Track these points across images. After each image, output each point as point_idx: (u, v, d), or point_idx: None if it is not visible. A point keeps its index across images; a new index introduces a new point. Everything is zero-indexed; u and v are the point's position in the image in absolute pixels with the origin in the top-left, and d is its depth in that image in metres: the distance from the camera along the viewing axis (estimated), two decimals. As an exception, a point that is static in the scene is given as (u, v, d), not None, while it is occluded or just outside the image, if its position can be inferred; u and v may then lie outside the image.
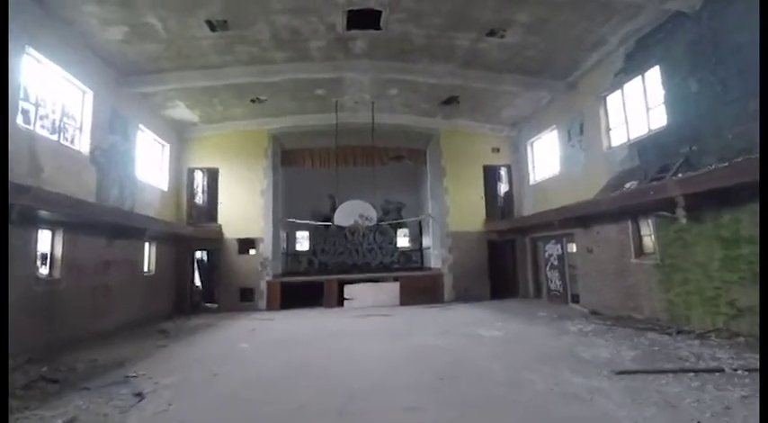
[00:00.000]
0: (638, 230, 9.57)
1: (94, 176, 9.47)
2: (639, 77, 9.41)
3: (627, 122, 9.95)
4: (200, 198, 15.98)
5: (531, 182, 14.61)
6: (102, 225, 9.30)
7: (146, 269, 12.18)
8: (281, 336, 8.95)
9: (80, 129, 9.17)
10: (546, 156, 13.84)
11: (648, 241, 9.34)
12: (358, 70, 11.29)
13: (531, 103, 13.26)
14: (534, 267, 14.50)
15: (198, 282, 16.45)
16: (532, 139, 14.57)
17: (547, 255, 13.61)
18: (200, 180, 16.03)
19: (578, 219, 11.01)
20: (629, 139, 9.82)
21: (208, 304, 15.13)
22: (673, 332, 7.54)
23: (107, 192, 9.92)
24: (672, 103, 8.38)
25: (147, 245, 12.31)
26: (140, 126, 11.68)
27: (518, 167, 15.36)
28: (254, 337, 9.01)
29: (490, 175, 15.71)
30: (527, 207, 14.77)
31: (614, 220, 10.05)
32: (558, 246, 12.91)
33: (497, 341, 7.40)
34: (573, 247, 12.75)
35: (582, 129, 11.44)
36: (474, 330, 8.53)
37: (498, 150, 15.51)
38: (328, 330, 9.41)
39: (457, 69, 11.44)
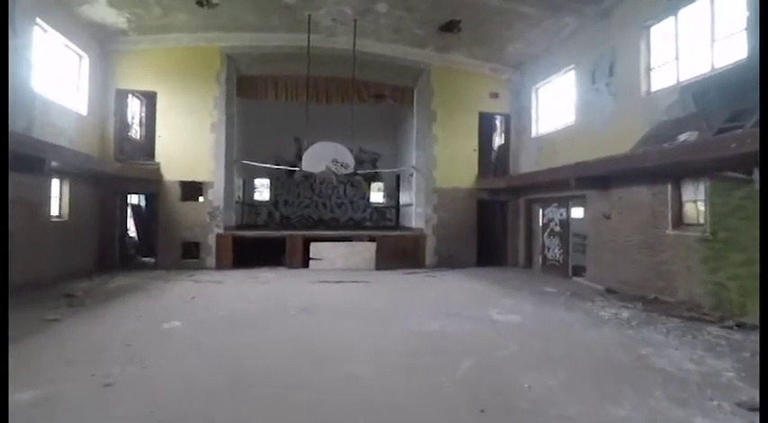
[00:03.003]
0: (680, 195, 7.82)
1: (-44, 78, 6.57)
2: (706, -2, 7.33)
3: (678, 60, 7.94)
4: (135, 131, 13.06)
5: (534, 134, 12.62)
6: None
7: (55, 213, 9.49)
8: (229, 309, 6.74)
9: (-73, 2, 6.17)
10: (556, 104, 11.80)
11: (692, 209, 7.62)
12: (342, -35, 8.59)
13: (548, 36, 10.96)
14: (527, 233, 12.79)
15: (134, 232, 13.86)
16: (539, 84, 12.43)
17: (545, 219, 11.87)
18: (136, 108, 13.06)
19: (594, 179, 9.21)
20: (678, 81, 7.84)
21: (145, 259, 12.64)
22: (733, 326, 5.93)
23: (-19, 103, 7.05)
24: (760, 29, 6.38)
25: (57, 183, 9.56)
26: (38, 20, 8.59)
27: (518, 117, 13.27)
28: (192, 309, 6.77)
29: (486, 125, 13.59)
30: (525, 163, 12.85)
31: (647, 182, 8.26)
32: (562, 210, 11.15)
33: (521, 331, 5.52)
34: (578, 212, 11.08)
35: (612, 69, 9.38)
36: (481, 311, 6.65)
37: (497, 96, 13.30)
38: (291, 302, 7.29)
39: (467, -21, 8.97)
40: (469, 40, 11.78)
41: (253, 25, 11.14)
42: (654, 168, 7.57)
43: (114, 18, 10.23)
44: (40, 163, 7.53)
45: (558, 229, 11.31)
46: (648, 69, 8.61)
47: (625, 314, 6.49)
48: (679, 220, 7.77)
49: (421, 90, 13.18)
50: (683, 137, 7.05)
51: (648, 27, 8.57)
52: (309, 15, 10.64)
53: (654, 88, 8.48)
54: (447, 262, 12.47)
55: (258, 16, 10.69)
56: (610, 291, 8.65)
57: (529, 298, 7.87)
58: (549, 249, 11.66)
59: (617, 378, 3.85)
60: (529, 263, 12.69)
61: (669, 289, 7.69)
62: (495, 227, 13.54)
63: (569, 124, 10.87)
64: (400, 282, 9.89)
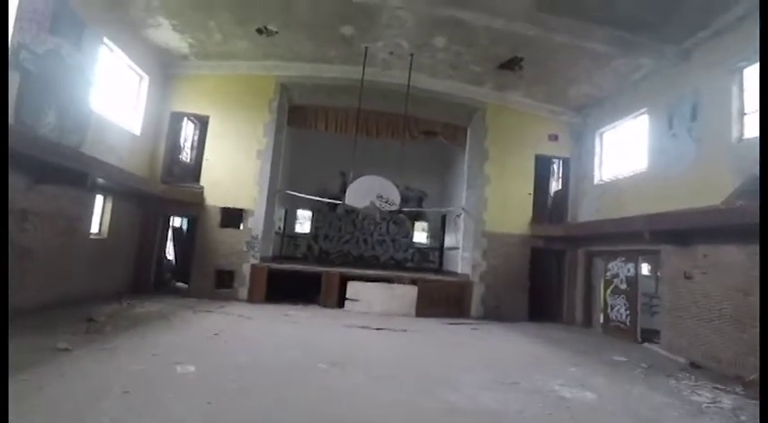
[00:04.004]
0: (786, 258, 6.58)
1: (15, 88, 6.56)
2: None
3: (781, 103, 6.93)
4: (186, 154, 13.11)
5: (596, 181, 11.61)
6: (17, 159, 6.42)
7: (94, 230, 9.34)
8: (251, 354, 6.01)
9: (-3, 12, 6.27)
10: (623, 149, 10.84)
11: (804, 276, 6.36)
12: (403, -5, 8.30)
13: (617, 78, 10.20)
14: (587, 288, 11.53)
15: (171, 255, 13.69)
16: (604, 128, 11.56)
17: (609, 275, 10.64)
18: (190, 131, 13.15)
19: (672, 233, 8.09)
20: (784, 127, 6.80)
21: (180, 284, 12.32)
22: None
23: (36, 115, 7.02)
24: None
25: (100, 199, 9.49)
26: (105, 40, 8.77)
27: (579, 161, 12.35)
28: (212, 349, 6.13)
29: (543, 168, 12.71)
30: (585, 211, 11.79)
31: (739, 240, 7.06)
32: (630, 265, 9.94)
33: (600, 416, 4.45)
34: (646, 269, 9.89)
35: (695, 113, 8.42)
36: (543, 381, 5.61)
37: (557, 138, 12.48)
38: (321, 350, 6.52)
39: (534, 12, 8.44)
40: (530, 80, 11.20)
41: (310, 56, 11.07)
42: (752, 226, 6.45)
43: (177, 42, 10.42)
44: (82, 177, 7.36)
45: (624, 286, 10.06)
46: (741, 114, 7.60)
47: (726, 401, 5.25)
48: (785, 289, 6.49)
49: (474, 128, 12.60)
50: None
51: (741, 69, 7.64)
52: (366, 48, 10.45)
53: (748, 135, 7.44)
54: (494, 314, 11.36)
55: (316, 46, 10.60)
56: (694, 365, 7.31)
57: (598, 367, 6.71)
58: (612, 308, 10.36)
59: None
60: (587, 321, 11.36)
61: (773, 372, 6.32)
62: (550, 278, 12.36)
63: (639, 171, 9.86)
64: (444, 334, 8.92)
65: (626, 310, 9.89)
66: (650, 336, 9.36)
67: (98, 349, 5.51)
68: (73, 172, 7.29)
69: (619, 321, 10.06)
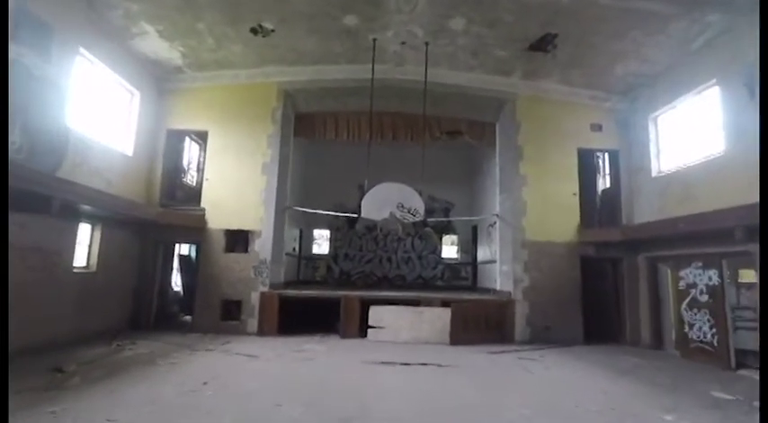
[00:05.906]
0: None
1: (-39, 102, 5.61)
2: None
3: None
4: (192, 177, 12.18)
5: (655, 173, 9.86)
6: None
7: (79, 264, 8.28)
8: (239, 414, 4.62)
9: (-69, 14, 5.35)
10: (686, 133, 9.11)
11: None
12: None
13: (673, 47, 8.53)
14: (653, 301, 9.69)
15: (179, 286, 12.63)
16: (658, 111, 9.86)
17: (682, 284, 8.79)
18: (194, 152, 12.23)
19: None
20: None
21: (187, 317, 11.17)
22: None
23: (-8, 133, 6.05)
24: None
25: (87, 228, 8.51)
26: (81, 49, 7.85)
27: (629, 153, 10.62)
28: (191, 407, 4.77)
29: (587, 164, 11.05)
30: (644, 209, 10.00)
31: None
32: (711, 272, 8.10)
33: None
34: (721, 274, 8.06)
35: (786, 75, 6.71)
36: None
37: (600, 128, 10.83)
38: (332, 401, 5.08)
39: (571, -28, 7.03)
40: (565, 62, 9.68)
41: (312, 55, 9.93)
42: None
43: (167, 52, 9.49)
44: (45, 202, 6.28)
45: (705, 298, 8.20)
46: None
47: None
48: None
49: (504, 124, 11.08)
50: None
51: None
52: (374, 40, 9.24)
53: None
54: (543, 336, 9.65)
55: (318, 42, 9.44)
56: (829, 404, 5.45)
57: (700, 413, 4.97)
58: (691, 326, 8.48)
59: None
60: (658, 342, 9.47)
61: None
62: (606, 291, 10.56)
63: (715, 156, 8.09)
64: (486, 367, 7.29)
65: (710, 328, 8.02)
66: (744, 359, 7.54)
67: (40, 414, 4.27)
68: (38, 197, 6.23)
69: (702, 342, 8.16)
